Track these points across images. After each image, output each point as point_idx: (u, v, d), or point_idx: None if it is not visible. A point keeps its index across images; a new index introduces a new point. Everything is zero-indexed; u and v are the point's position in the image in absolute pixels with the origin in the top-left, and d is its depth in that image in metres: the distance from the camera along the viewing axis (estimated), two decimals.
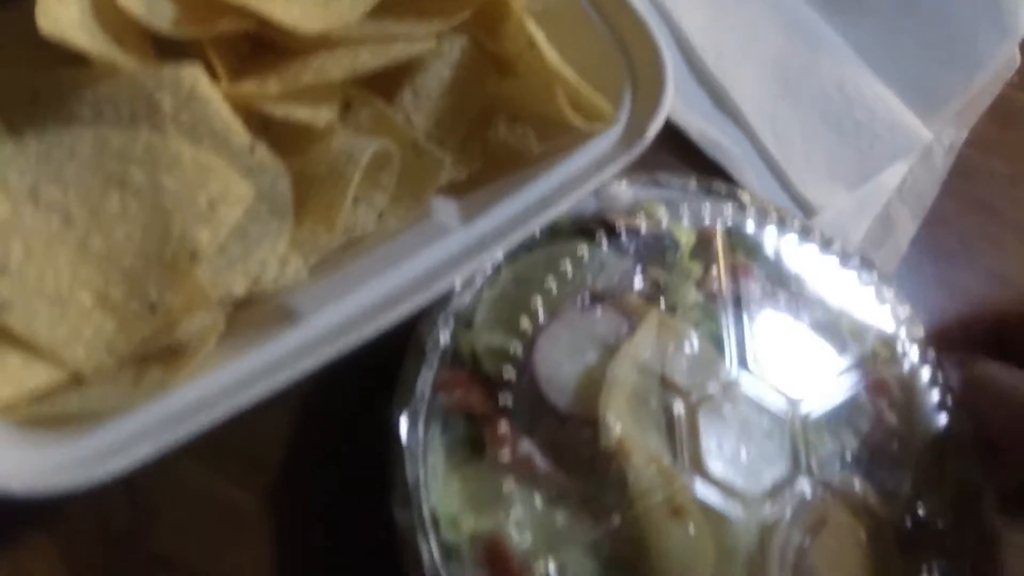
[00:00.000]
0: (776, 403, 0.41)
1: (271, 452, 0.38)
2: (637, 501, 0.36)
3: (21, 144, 0.33)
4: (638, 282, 0.42)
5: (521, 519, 0.36)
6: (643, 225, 0.43)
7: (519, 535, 0.35)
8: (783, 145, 0.50)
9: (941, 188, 0.54)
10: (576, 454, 0.37)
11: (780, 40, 0.53)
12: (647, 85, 0.41)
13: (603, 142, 0.41)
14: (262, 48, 0.38)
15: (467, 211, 0.39)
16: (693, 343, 0.41)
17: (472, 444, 0.37)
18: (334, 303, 0.35)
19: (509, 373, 0.38)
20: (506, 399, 0.37)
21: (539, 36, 0.41)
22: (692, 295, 0.42)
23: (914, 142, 0.52)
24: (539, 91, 0.40)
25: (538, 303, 0.40)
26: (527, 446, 0.36)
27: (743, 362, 0.41)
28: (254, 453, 0.38)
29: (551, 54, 0.40)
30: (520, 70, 0.41)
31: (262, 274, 0.37)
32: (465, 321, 0.39)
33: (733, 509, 0.37)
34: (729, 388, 0.40)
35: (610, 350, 0.39)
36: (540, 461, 0.36)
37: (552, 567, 0.35)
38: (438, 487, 0.36)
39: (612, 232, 0.43)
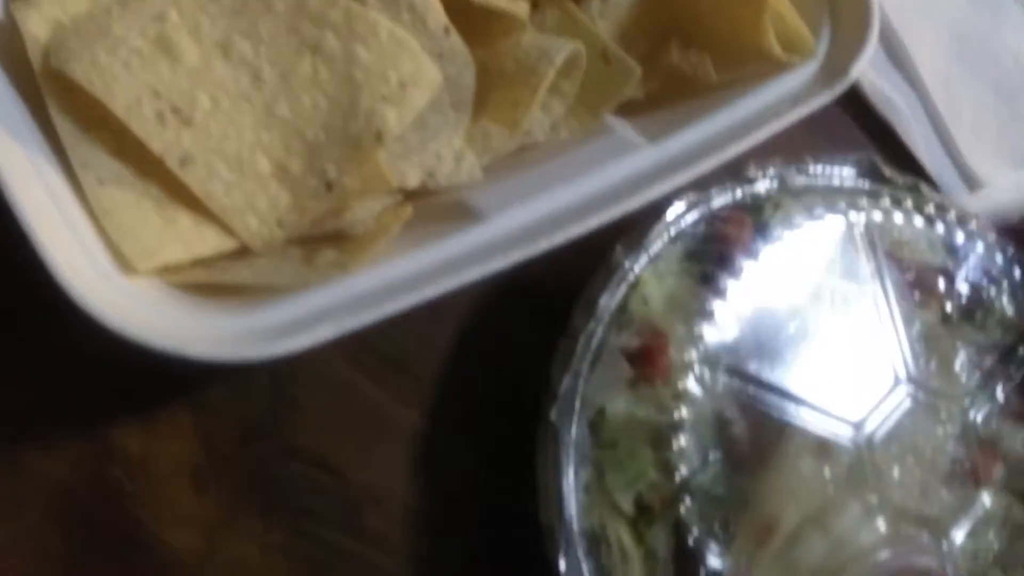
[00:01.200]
0: None
1: (412, 357, 0.37)
2: None
3: None
4: None
5: None
6: None
7: None
8: (954, 110, 0.48)
9: None
10: None
11: (962, 2, 0.51)
12: (850, 17, 0.39)
13: (795, 78, 0.39)
14: None
15: (649, 132, 0.37)
16: None
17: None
18: (517, 206, 0.33)
19: None
20: None
21: None
22: None
23: None
24: (741, 11, 0.38)
25: None
26: None
27: None
28: (395, 355, 0.37)
29: None
30: None
31: (437, 167, 0.35)
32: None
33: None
34: None
35: None
36: None
37: None
38: None
39: None
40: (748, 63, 0.40)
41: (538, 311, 0.37)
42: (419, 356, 0.37)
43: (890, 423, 0.37)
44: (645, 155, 0.36)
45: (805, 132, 0.41)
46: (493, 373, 0.38)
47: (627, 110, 0.39)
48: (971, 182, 0.48)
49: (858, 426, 0.36)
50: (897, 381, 0.37)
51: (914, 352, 0.38)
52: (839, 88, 0.37)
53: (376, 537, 0.35)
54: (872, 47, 0.38)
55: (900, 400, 0.37)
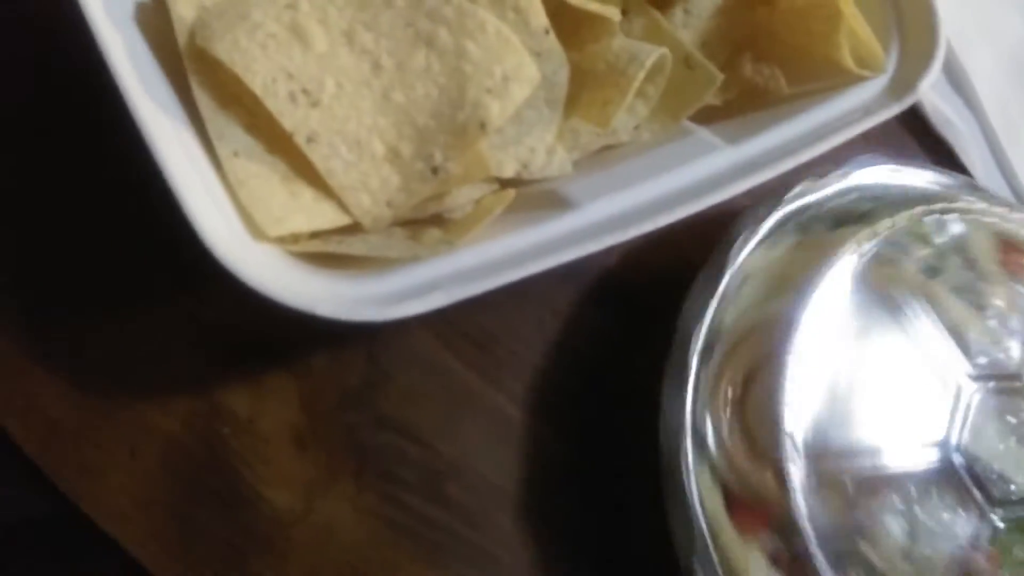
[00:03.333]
0: None
1: (498, 341, 0.41)
2: None
3: None
4: None
5: None
6: None
7: None
8: (1011, 134, 0.52)
9: None
10: None
11: (1020, 28, 0.54)
12: (918, 34, 0.43)
13: (865, 91, 0.42)
14: None
15: (727, 136, 0.41)
16: None
17: None
18: (607, 196, 0.37)
19: None
20: None
21: None
22: None
23: None
24: (818, 26, 0.42)
25: None
26: None
27: None
28: (483, 339, 0.40)
29: None
30: (793, 2, 0.43)
31: (531, 160, 0.39)
32: None
33: None
34: None
35: None
36: None
37: None
38: None
39: None
40: (820, 77, 0.43)
41: (619, 303, 0.40)
42: (505, 340, 0.41)
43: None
44: (725, 155, 0.39)
45: (867, 148, 0.45)
46: (571, 359, 0.41)
47: (704, 117, 0.43)
48: None
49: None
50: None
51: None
52: (908, 101, 0.41)
53: (458, 507, 0.38)
54: (939, 64, 0.41)
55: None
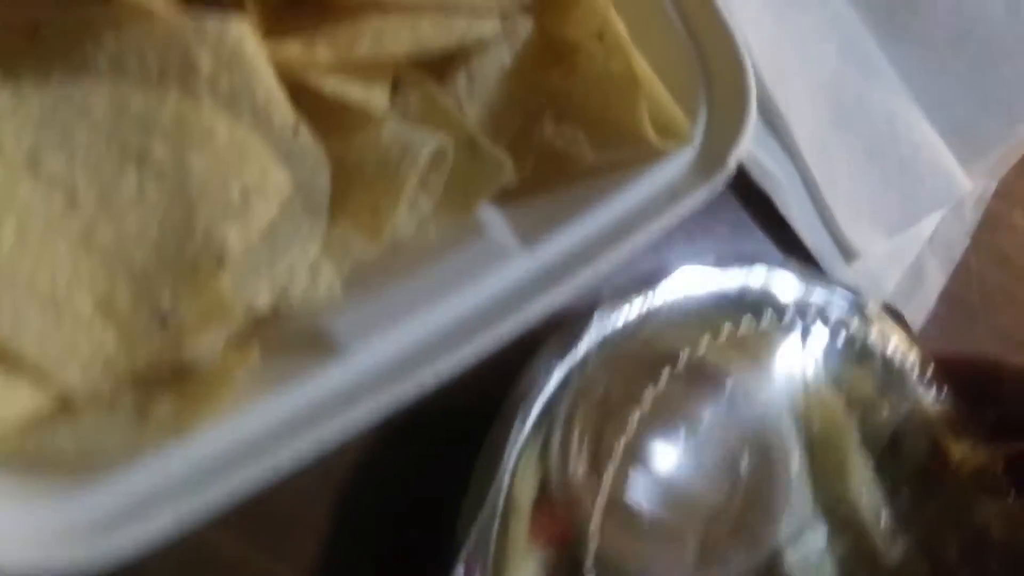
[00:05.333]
0: None
1: (310, 518, 0.35)
2: None
3: (18, 92, 0.28)
4: None
5: None
6: None
7: None
8: (829, 178, 0.50)
9: (969, 241, 0.55)
10: None
11: (835, 61, 0.52)
12: (726, 101, 0.39)
13: (673, 165, 0.39)
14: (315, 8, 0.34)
15: (522, 228, 0.36)
16: None
17: None
18: (381, 334, 0.32)
19: None
20: None
21: (621, 28, 0.38)
22: None
23: (955, 191, 0.54)
24: (615, 94, 0.38)
25: None
26: None
27: None
28: (268, 508, 0.35)
29: (633, 52, 0.38)
30: (590, 66, 0.39)
31: (290, 284, 0.33)
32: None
33: None
34: None
35: None
36: None
37: None
38: None
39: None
40: (626, 142, 0.40)
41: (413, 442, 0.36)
42: (296, 506, 0.35)
43: None
44: (520, 263, 0.35)
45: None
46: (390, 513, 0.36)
47: (499, 196, 0.38)
48: (847, 253, 0.50)
49: None
50: None
51: None
52: (719, 180, 0.37)
53: None
54: (750, 134, 0.38)
55: None
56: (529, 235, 0.36)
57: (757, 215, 0.50)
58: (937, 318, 0.52)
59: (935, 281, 0.53)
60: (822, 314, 0.43)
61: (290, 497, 0.35)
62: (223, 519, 0.33)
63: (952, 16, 0.56)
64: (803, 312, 0.42)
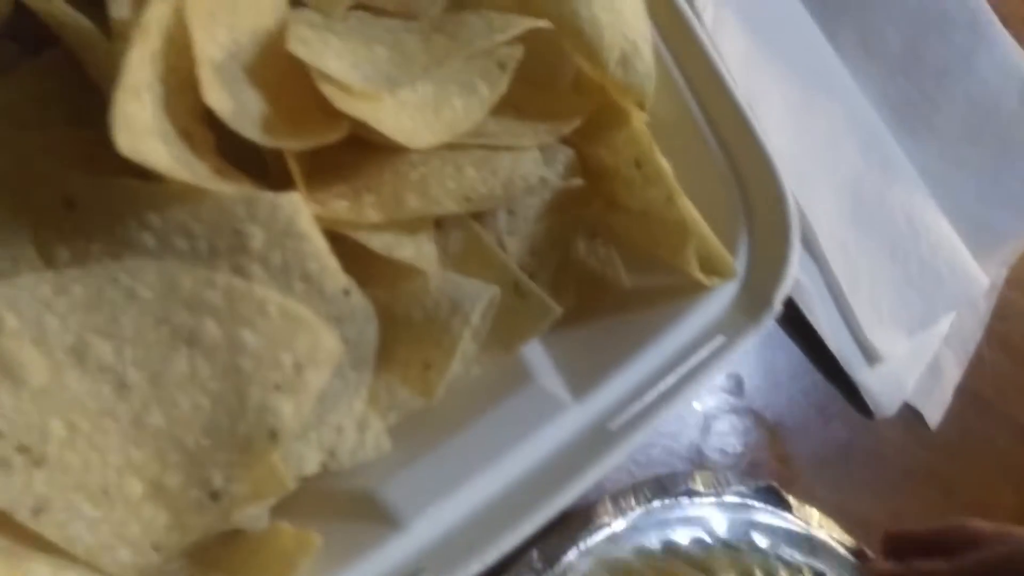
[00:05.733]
0: None
1: None
2: None
3: (61, 278, 0.27)
4: None
5: None
6: None
7: None
8: (852, 281, 0.49)
9: (984, 334, 0.55)
10: None
11: (856, 160, 0.52)
12: (768, 234, 0.39)
13: (716, 300, 0.38)
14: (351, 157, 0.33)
15: (570, 374, 0.35)
16: None
17: None
18: (439, 503, 0.31)
19: None
20: None
21: (659, 157, 0.37)
22: None
23: (973, 289, 0.54)
24: (661, 231, 0.37)
25: None
26: None
27: None
28: None
29: (676, 186, 0.37)
30: (628, 195, 0.38)
31: (338, 444, 0.32)
32: None
33: None
34: None
35: None
36: None
37: None
38: None
39: None
40: (662, 268, 0.39)
41: None
42: None
43: None
44: (572, 416, 0.34)
45: None
46: None
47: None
48: (870, 355, 0.50)
49: None
50: None
51: None
52: (766, 321, 0.37)
53: None
54: (794, 271, 0.38)
55: None
56: (579, 383, 0.35)
57: (782, 318, 0.49)
58: (952, 414, 0.53)
59: (951, 376, 0.53)
60: None
61: None
62: None
63: (969, 110, 0.56)
64: None
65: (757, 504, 0.45)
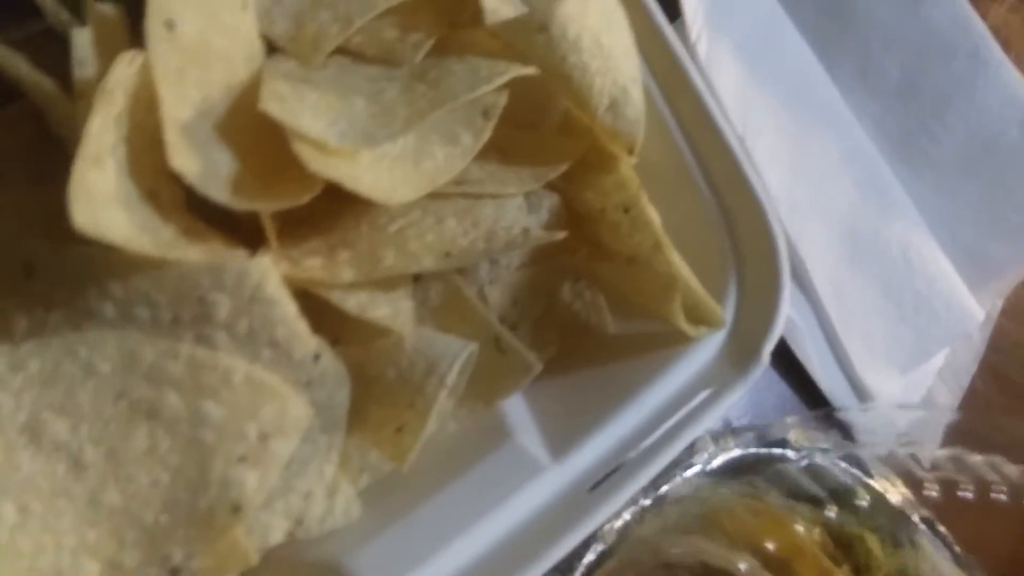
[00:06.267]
0: None
1: None
2: None
3: (17, 353, 0.26)
4: None
5: None
6: None
7: None
8: (845, 317, 0.48)
9: (979, 366, 0.54)
10: None
11: (852, 195, 0.51)
12: (758, 283, 0.37)
13: (702, 351, 0.37)
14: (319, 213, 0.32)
15: (550, 432, 0.34)
16: None
17: None
18: (409, 573, 0.30)
19: None
20: None
21: (647, 204, 0.36)
22: None
23: (968, 323, 0.52)
24: (647, 282, 0.36)
25: None
26: None
27: None
28: None
29: (663, 237, 0.36)
30: (614, 239, 0.37)
31: (306, 511, 0.31)
32: None
33: None
34: None
35: None
36: None
37: None
38: None
39: None
40: (647, 314, 0.38)
41: None
42: None
43: None
44: (551, 478, 0.33)
45: None
46: None
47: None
48: (862, 394, 0.49)
49: None
50: None
51: None
52: (754, 373, 0.36)
53: None
54: (782, 322, 0.36)
55: None
56: (558, 443, 0.34)
57: (778, 366, 0.48)
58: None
59: (945, 412, 0.52)
60: None
61: None
62: None
63: (968, 140, 0.54)
64: None
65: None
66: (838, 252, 0.50)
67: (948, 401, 0.53)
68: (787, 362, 0.48)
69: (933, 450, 0.51)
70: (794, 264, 0.48)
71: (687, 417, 0.34)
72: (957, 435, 0.52)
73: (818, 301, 0.48)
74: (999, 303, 0.57)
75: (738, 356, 0.36)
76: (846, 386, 0.48)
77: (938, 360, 0.52)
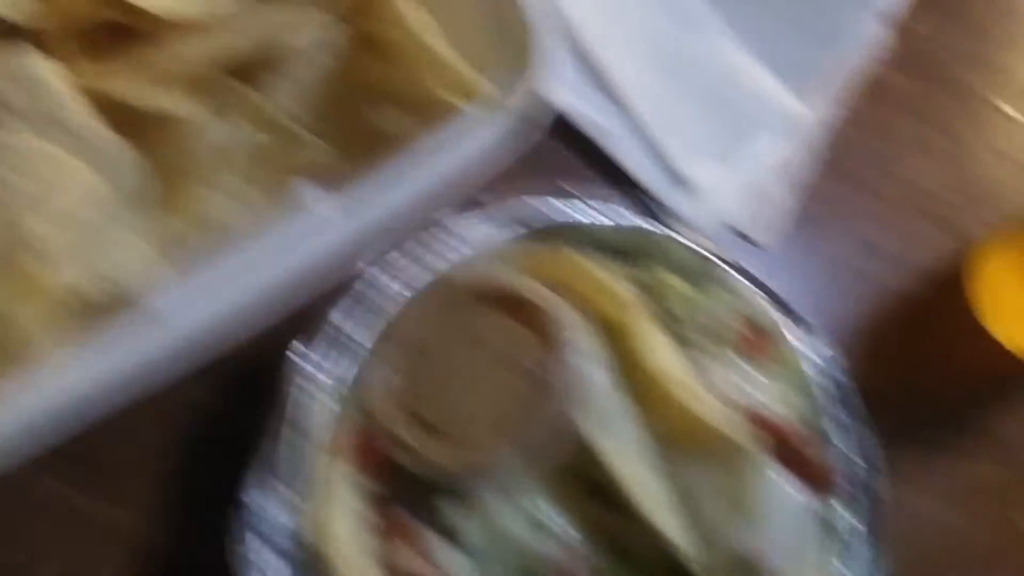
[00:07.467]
0: None
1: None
2: None
3: None
4: None
5: None
6: None
7: None
8: (662, 123, 0.53)
9: (819, 165, 0.58)
10: None
11: (662, 20, 0.56)
12: (520, 59, 0.42)
13: (491, 130, 0.41)
14: (127, 38, 0.38)
15: (346, 201, 0.40)
16: None
17: None
18: (198, 301, 0.35)
19: None
20: None
21: (412, 13, 0.42)
22: None
23: (791, 118, 0.56)
24: (407, 68, 0.41)
25: None
26: None
27: None
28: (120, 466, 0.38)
29: (426, 29, 0.41)
30: (397, 51, 0.42)
31: (118, 272, 0.37)
32: None
33: None
34: None
35: None
36: None
37: None
38: None
39: None
40: (439, 114, 0.43)
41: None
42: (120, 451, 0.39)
43: None
44: (334, 229, 0.38)
45: (527, 172, 0.45)
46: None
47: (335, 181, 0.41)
48: (688, 186, 0.53)
49: None
50: None
51: None
52: (501, 124, 0.40)
53: None
54: (534, 78, 0.41)
55: None
56: (349, 203, 0.39)
57: (606, 176, 0.53)
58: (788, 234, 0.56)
59: (785, 205, 0.55)
60: None
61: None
62: (61, 470, 0.38)
63: None
64: None
65: None
66: (650, 69, 0.55)
67: (789, 197, 0.56)
68: (616, 176, 0.53)
69: None
70: (610, 87, 0.54)
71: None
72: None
73: (637, 115, 0.53)
74: (840, 111, 0.59)
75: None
76: (668, 181, 0.53)
77: (769, 157, 0.56)
